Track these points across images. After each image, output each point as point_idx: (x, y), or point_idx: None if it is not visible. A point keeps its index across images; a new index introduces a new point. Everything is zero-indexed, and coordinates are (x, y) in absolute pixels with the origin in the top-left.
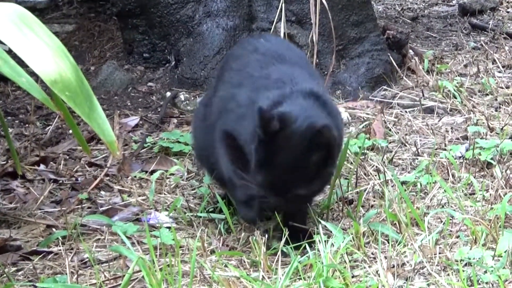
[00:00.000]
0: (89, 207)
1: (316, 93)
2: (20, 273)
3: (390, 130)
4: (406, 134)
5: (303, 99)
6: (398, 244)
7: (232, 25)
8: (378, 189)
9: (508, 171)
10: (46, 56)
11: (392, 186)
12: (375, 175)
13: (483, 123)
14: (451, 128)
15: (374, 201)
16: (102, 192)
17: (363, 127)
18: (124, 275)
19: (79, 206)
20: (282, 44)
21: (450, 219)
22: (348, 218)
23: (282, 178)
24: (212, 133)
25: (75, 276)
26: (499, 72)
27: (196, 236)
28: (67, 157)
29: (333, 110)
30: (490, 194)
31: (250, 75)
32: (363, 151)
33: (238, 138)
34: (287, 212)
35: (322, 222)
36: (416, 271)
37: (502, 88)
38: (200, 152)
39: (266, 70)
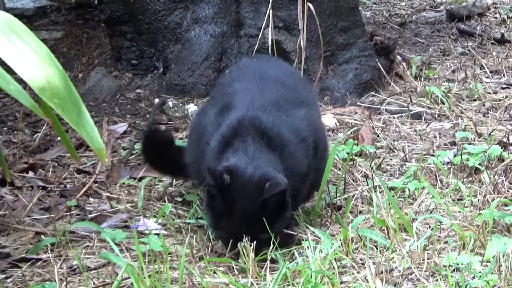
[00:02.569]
0: (77, 214)
1: (264, 130)
2: (9, 280)
3: (378, 136)
4: (394, 140)
5: (251, 141)
6: (387, 250)
7: (220, 32)
8: (367, 195)
9: (496, 177)
10: (34, 63)
11: (380, 192)
12: (363, 181)
13: (471, 128)
14: (439, 133)
15: (362, 207)
16: (91, 199)
17: (351, 133)
18: (113, 282)
19: (68, 213)
20: (272, 62)
21: (438, 225)
22: (337, 224)
23: (242, 228)
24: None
25: (64, 283)
26: (487, 77)
27: (185, 242)
28: (56, 164)
29: (281, 146)
30: (478, 200)
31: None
32: (351, 157)
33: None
34: None
35: (311, 228)
36: (404, 276)
37: (489, 93)
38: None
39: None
